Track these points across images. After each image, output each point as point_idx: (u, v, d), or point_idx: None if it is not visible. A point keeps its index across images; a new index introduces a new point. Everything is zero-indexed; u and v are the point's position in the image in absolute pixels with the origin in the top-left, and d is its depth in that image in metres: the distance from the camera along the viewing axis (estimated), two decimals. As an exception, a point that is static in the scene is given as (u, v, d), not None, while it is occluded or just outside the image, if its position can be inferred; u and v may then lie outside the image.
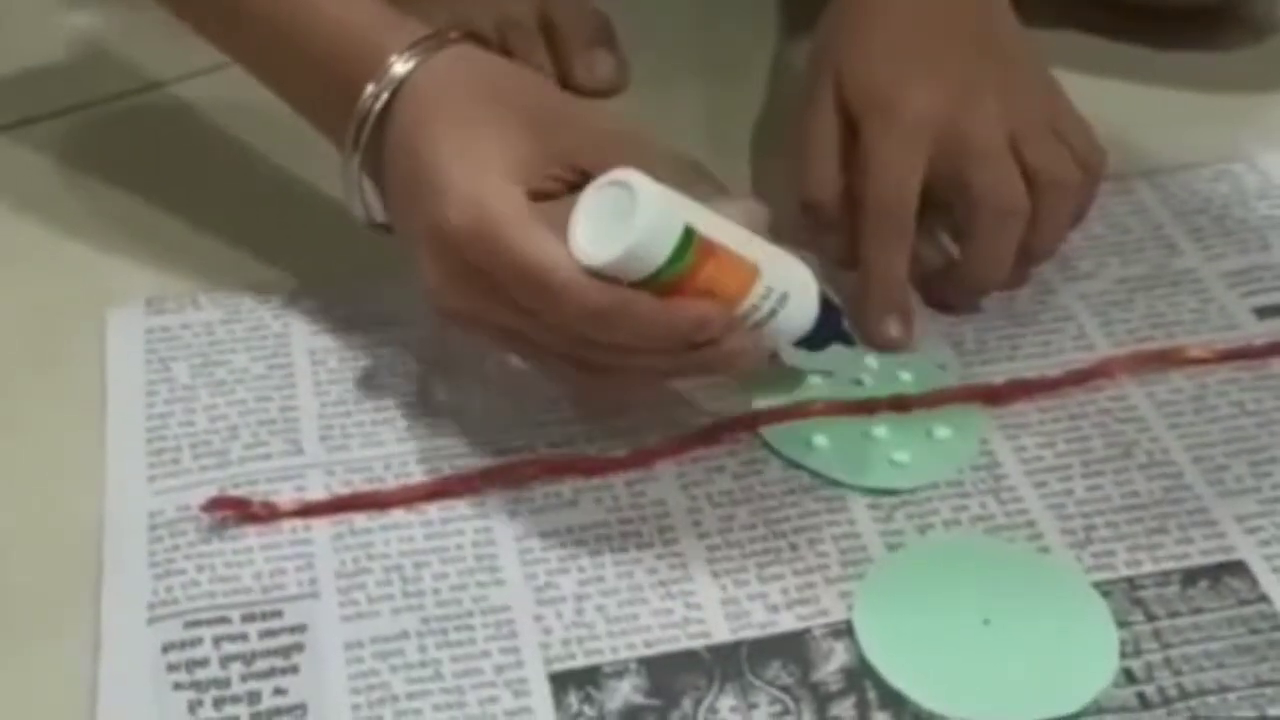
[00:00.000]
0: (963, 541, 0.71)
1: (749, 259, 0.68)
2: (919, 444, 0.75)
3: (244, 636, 0.67)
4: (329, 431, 0.76)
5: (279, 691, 0.65)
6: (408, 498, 0.72)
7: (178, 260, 0.85)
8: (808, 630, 0.67)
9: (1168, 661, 0.66)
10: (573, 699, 0.65)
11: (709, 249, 0.67)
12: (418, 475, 0.73)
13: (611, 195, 0.66)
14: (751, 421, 0.76)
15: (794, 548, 0.70)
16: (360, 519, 0.72)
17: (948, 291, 0.82)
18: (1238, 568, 0.69)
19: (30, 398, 0.79)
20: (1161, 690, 0.65)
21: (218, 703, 0.65)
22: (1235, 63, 0.99)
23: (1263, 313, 0.81)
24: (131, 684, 0.66)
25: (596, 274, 0.66)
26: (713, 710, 0.65)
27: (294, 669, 0.66)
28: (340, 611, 0.68)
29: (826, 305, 0.73)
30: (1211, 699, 0.64)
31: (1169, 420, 0.76)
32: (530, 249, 0.66)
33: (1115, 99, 0.92)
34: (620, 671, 0.66)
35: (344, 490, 0.73)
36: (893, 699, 0.65)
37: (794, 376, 0.77)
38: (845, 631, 0.67)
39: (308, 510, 0.72)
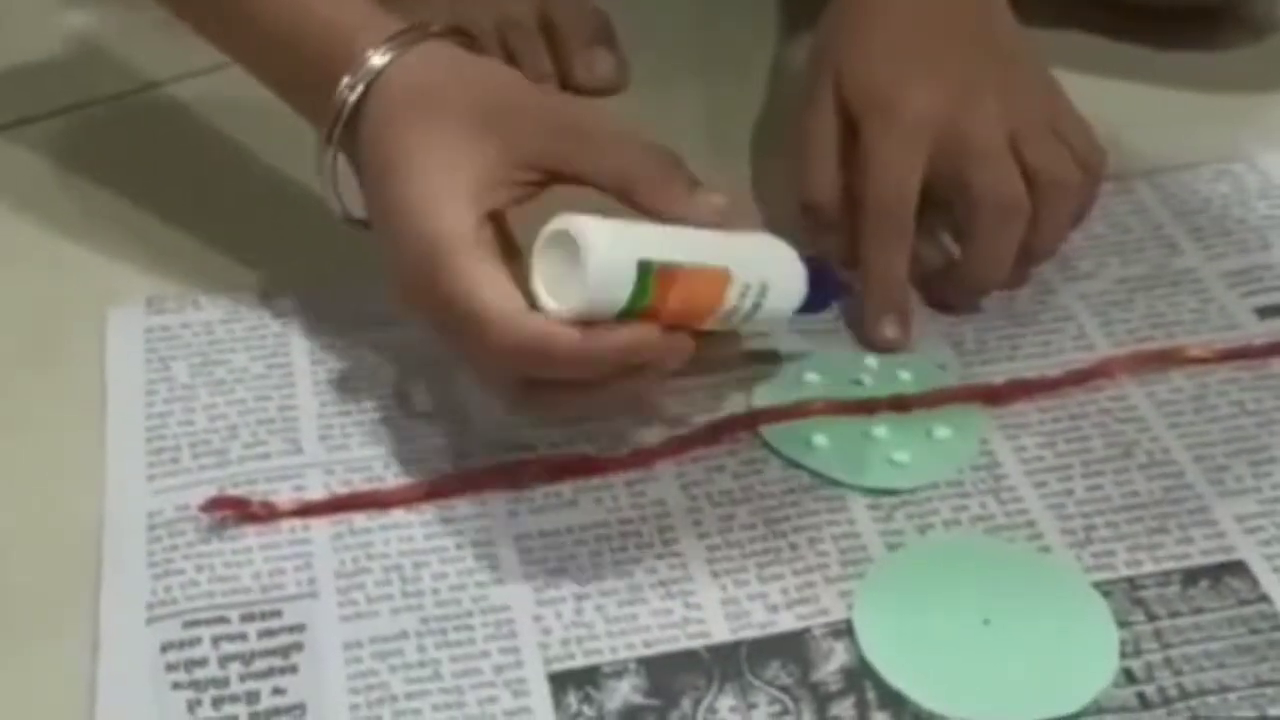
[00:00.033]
0: (963, 541, 0.71)
1: (717, 265, 0.68)
2: (919, 444, 0.75)
3: (243, 636, 0.67)
4: (328, 431, 0.76)
5: (278, 691, 0.65)
6: (407, 497, 0.72)
7: (177, 260, 0.85)
8: (807, 630, 0.67)
9: (1168, 661, 0.66)
10: (572, 699, 0.65)
11: (671, 275, 0.66)
12: (417, 475, 0.73)
13: (562, 243, 0.65)
14: (751, 421, 0.76)
15: (794, 547, 0.70)
16: (359, 519, 0.72)
17: (948, 291, 0.82)
18: (1238, 568, 0.69)
19: (30, 397, 0.79)
20: (1162, 690, 0.65)
21: (216, 702, 0.65)
22: (1235, 62, 0.99)
23: (1263, 312, 0.81)
24: (130, 684, 0.66)
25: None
26: (712, 710, 0.64)
27: (293, 669, 0.66)
28: (339, 611, 0.68)
29: (817, 269, 0.73)
30: (1212, 699, 0.64)
31: (1169, 420, 0.76)
32: (460, 287, 0.66)
33: (1115, 99, 0.92)
34: (619, 671, 0.66)
35: (343, 490, 0.73)
36: (892, 699, 0.65)
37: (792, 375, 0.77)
38: (845, 631, 0.67)
39: (307, 510, 0.72)
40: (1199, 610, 0.67)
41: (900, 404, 0.76)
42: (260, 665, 0.66)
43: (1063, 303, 0.82)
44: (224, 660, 0.66)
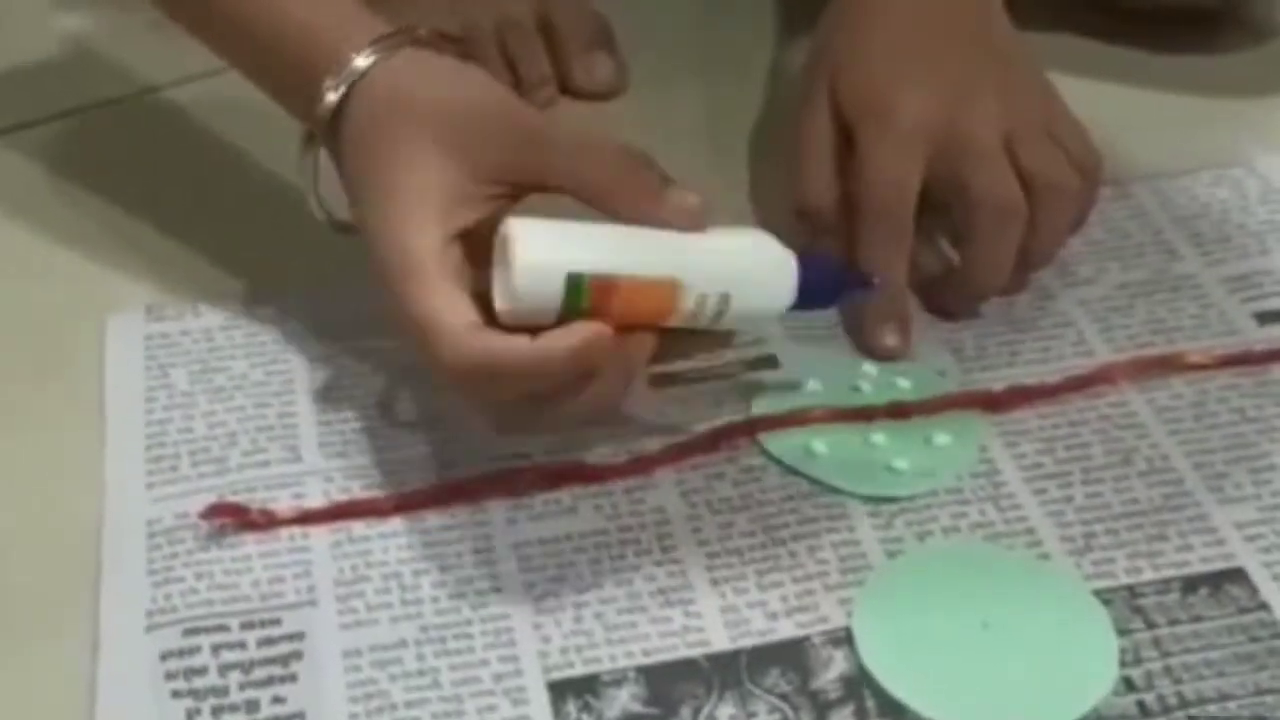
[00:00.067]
0: (962, 549, 0.71)
1: (664, 276, 0.67)
2: (918, 451, 0.75)
3: (242, 644, 0.67)
4: (327, 438, 0.75)
5: (277, 700, 0.65)
6: (406, 505, 0.72)
7: (176, 265, 0.85)
8: (807, 638, 0.67)
9: (1168, 670, 0.66)
10: (571, 707, 0.65)
11: (607, 286, 0.66)
12: (416, 483, 0.73)
13: (507, 246, 0.66)
14: (750, 428, 0.76)
15: (793, 555, 0.70)
16: (359, 526, 0.72)
17: (947, 297, 0.82)
18: (1238, 575, 0.69)
19: (30, 403, 0.79)
20: (1161, 699, 0.65)
21: (216, 711, 0.65)
22: (1234, 66, 0.99)
23: (1263, 318, 0.81)
24: (130, 692, 0.66)
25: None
26: (712, 719, 0.64)
27: (292, 677, 0.66)
28: (339, 620, 0.68)
29: (822, 265, 0.72)
30: (1211, 707, 0.64)
31: (1169, 427, 0.76)
32: (419, 309, 0.67)
33: (1112, 102, 0.92)
34: (619, 680, 0.66)
35: (342, 497, 0.73)
36: (892, 707, 0.65)
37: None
38: (844, 639, 0.67)
39: (306, 518, 0.72)
40: (1198, 618, 0.67)
41: (899, 411, 0.76)
42: (260, 674, 0.66)
43: (1062, 308, 0.82)
44: (224, 669, 0.66)
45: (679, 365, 0.77)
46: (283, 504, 0.72)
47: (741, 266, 0.69)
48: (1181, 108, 0.96)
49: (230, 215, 0.88)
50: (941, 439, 0.75)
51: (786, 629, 0.67)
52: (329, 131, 0.72)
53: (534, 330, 0.65)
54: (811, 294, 0.71)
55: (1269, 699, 0.65)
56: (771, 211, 0.86)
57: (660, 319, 0.67)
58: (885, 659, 0.66)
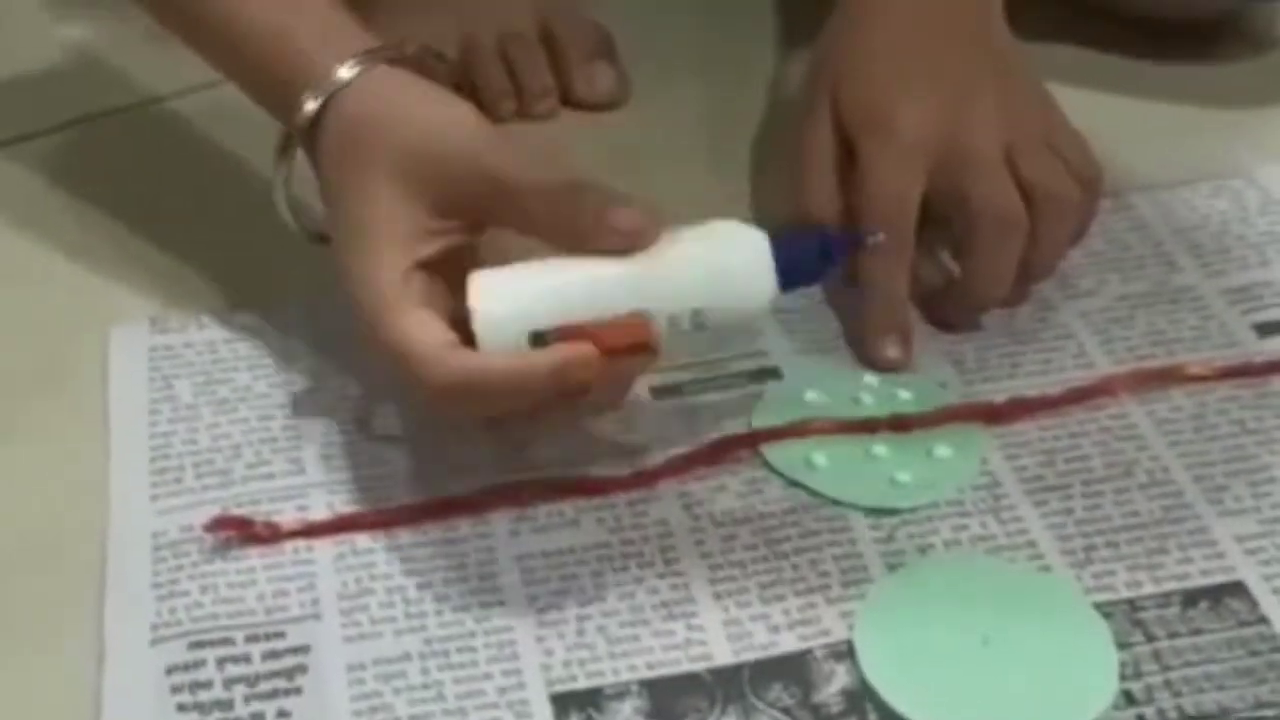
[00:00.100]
0: (963, 561, 0.71)
1: (627, 312, 0.67)
2: (919, 463, 0.75)
3: (247, 658, 0.67)
4: (331, 451, 0.76)
5: (282, 713, 0.65)
6: (410, 518, 0.73)
7: (179, 276, 0.85)
8: (809, 651, 0.67)
9: (1168, 684, 0.66)
10: (575, 721, 0.65)
11: (574, 332, 0.66)
12: (419, 495, 0.73)
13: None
14: (752, 440, 0.76)
15: (795, 568, 0.71)
16: (362, 539, 0.72)
17: (948, 309, 0.82)
18: (1237, 589, 0.69)
19: (33, 415, 0.79)
20: (1161, 712, 0.65)
21: (221, 724, 0.65)
22: (1233, 77, 0.99)
23: (1263, 330, 0.81)
24: (135, 705, 0.66)
25: None
26: (714, 732, 0.65)
27: (297, 690, 0.66)
28: (343, 632, 0.68)
29: (794, 245, 0.71)
30: (1211, 721, 0.65)
31: (1169, 439, 0.76)
32: (392, 336, 0.68)
33: (1113, 114, 0.93)
34: (622, 693, 0.66)
35: (346, 510, 0.73)
36: (894, 721, 0.65)
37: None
38: (846, 653, 0.67)
39: (310, 530, 0.72)
40: (1198, 632, 0.68)
41: (901, 423, 0.76)
42: (265, 687, 0.66)
43: (1063, 320, 0.82)
44: (229, 682, 0.66)
45: (681, 377, 0.78)
46: (287, 517, 0.73)
47: (709, 273, 0.69)
48: (1181, 119, 0.96)
49: (233, 226, 0.88)
50: (943, 451, 0.75)
51: (789, 642, 0.68)
52: (307, 141, 0.73)
53: None
54: (797, 272, 0.70)
55: (1269, 712, 0.65)
56: (773, 222, 0.86)
57: (637, 348, 0.68)
58: (887, 672, 0.66)
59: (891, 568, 0.71)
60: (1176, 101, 0.97)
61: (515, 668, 0.67)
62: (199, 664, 0.67)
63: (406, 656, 0.67)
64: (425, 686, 0.66)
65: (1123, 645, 0.67)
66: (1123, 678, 0.66)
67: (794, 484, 0.74)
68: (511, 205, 0.69)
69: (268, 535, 0.72)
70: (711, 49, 1.04)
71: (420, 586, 0.70)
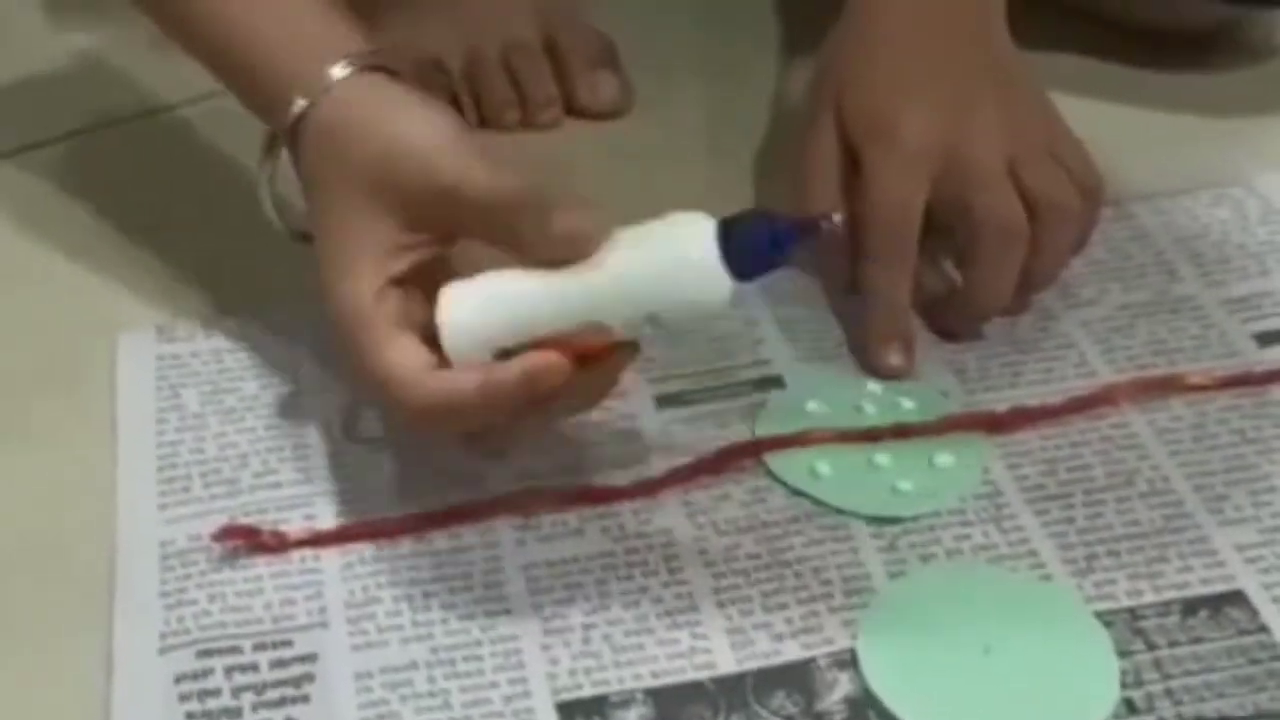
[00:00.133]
0: (965, 570, 0.72)
1: (587, 323, 0.67)
2: (921, 472, 0.75)
3: (255, 666, 0.68)
4: (338, 460, 0.76)
5: (290, 722, 0.66)
6: (416, 527, 0.73)
7: (186, 284, 0.86)
8: (812, 660, 0.68)
9: (1169, 692, 0.66)
10: (580, 729, 0.66)
11: (539, 344, 0.67)
12: (426, 504, 0.74)
13: None
14: (755, 449, 0.76)
15: (798, 576, 0.71)
16: (369, 548, 0.72)
17: (950, 318, 0.82)
18: (1238, 597, 0.70)
19: (40, 423, 0.79)
20: (1162, 720, 0.66)
21: (229, 733, 0.66)
22: (1233, 86, 0.99)
23: (1263, 339, 0.82)
24: (144, 714, 0.66)
25: None
26: (719, 740, 0.65)
27: (305, 699, 0.67)
28: (350, 641, 0.69)
29: (743, 234, 0.67)
30: (1211, 729, 0.65)
31: (1170, 448, 0.76)
32: (369, 359, 0.68)
33: (1114, 123, 0.93)
34: (627, 701, 0.66)
35: (353, 519, 0.73)
36: (896, 729, 0.66)
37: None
38: (849, 661, 0.68)
39: (317, 539, 0.73)
40: (1198, 640, 0.68)
41: (903, 432, 0.77)
42: (272, 695, 0.67)
43: (1064, 329, 0.83)
44: (237, 690, 0.67)
45: (684, 386, 0.78)
46: (294, 525, 0.73)
47: (659, 274, 0.67)
48: (1182, 127, 0.96)
49: (239, 234, 0.88)
50: (944, 460, 0.76)
51: (792, 651, 0.68)
52: (291, 142, 0.73)
53: None
54: (750, 264, 0.67)
55: (1269, 721, 0.65)
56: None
57: (601, 353, 0.68)
58: (890, 681, 0.67)
59: (894, 576, 0.71)
60: (1177, 110, 0.97)
61: (521, 676, 0.67)
62: (207, 673, 0.68)
63: (413, 665, 0.68)
64: (432, 695, 0.67)
65: (1124, 654, 0.67)
66: (1124, 686, 0.66)
67: (797, 493, 0.74)
68: (466, 215, 0.69)
69: (275, 544, 0.72)
70: (714, 56, 1.04)
71: (427, 595, 0.70)
